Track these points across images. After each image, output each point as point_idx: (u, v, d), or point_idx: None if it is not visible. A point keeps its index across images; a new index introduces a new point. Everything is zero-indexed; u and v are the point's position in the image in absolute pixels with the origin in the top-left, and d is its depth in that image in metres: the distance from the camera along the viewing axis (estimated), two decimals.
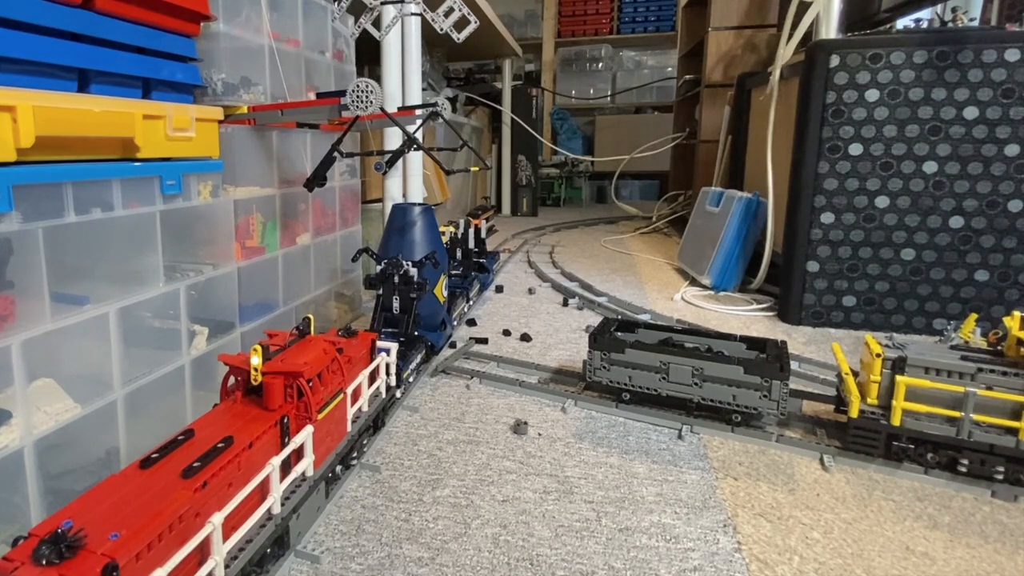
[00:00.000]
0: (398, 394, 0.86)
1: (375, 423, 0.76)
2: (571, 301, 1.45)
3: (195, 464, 0.44)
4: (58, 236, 0.57)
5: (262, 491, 0.50)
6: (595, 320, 1.31)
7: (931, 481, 0.69)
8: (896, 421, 0.69)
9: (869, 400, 0.72)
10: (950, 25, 1.25)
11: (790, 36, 1.33)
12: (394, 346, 0.79)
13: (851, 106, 1.17)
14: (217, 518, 0.42)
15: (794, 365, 1.02)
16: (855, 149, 1.18)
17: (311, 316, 0.65)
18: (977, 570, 0.55)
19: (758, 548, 0.58)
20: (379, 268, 0.95)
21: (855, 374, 0.76)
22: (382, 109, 0.84)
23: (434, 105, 1.00)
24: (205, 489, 0.43)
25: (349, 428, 0.66)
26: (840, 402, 0.78)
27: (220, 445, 0.47)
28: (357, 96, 0.83)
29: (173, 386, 0.74)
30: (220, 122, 0.80)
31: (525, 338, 1.17)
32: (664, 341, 0.89)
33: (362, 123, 0.94)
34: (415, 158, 1.36)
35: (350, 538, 0.58)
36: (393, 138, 1.30)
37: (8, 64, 0.54)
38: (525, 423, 0.80)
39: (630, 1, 4.09)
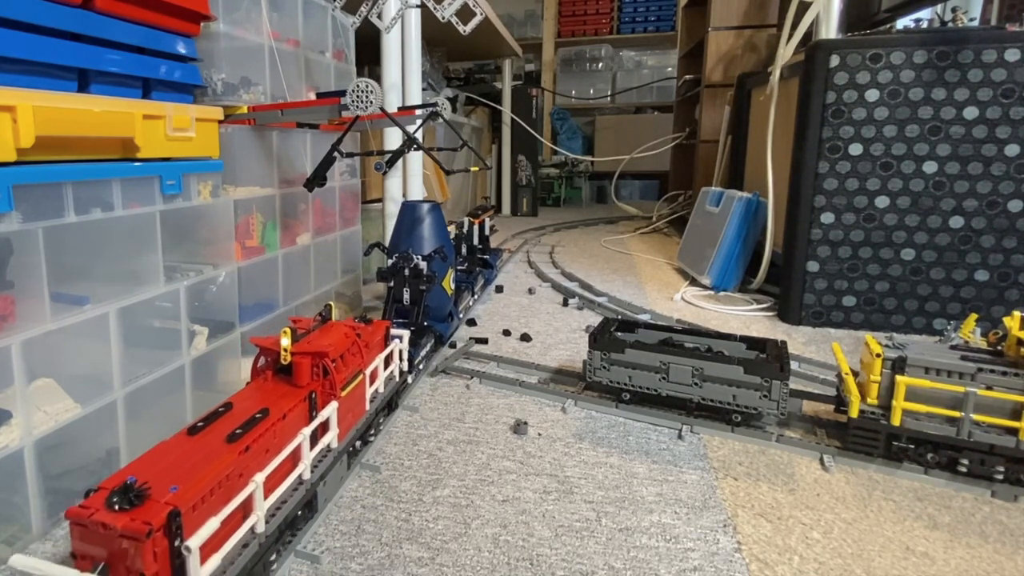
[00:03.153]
0: (410, 379, 0.91)
1: (389, 404, 0.81)
2: (571, 301, 1.45)
3: (237, 431, 0.49)
4: (58, 236, 0.57)
5: (293, 459, 0.55)
6: (595, 320, 1.31)
7: (931, 481, 0.69)
8: (896, 421, 0.69)
9: (869, 400, 0.72)
10: (950, 25, 1.25)
11: (790, 36, 1.33)
12: (406, 333, 0.83)
13: (851, 106, 1.17)
14: (259, 477, 0.47)
15: (794, 365, 1.02)
16: (855, 149, 1.18)
17: (332, 303, 0.71)
18: (977, 570, 0.55)
19: (758, 548, 0.58)
20: (390, 262, 1.00)
21: (855, 374, 0.76)
22: (382, 109, 0.84)
23: (434, 105, 1.00)
24: (247, 453, 0.48)
25: (367, 407, 0.71)
26: (840, 402, 0.78)
27: (258, 415, 0.51)
28: (357, 96, 0.83)
29: (173, 386, 0.74)
30: (220, 122, 0.80)
31: (525, 338, 1.17)
32: (664, 341, 0.89)
33: (362, 123, 0.94)
34: (415, 158, 1.36)
35: (350, 538, 0.58)
36: (393, 138, 1.30)
37: (8, 64, 0.54)
38: (525, 423, 0.80)
39: (630, 1, 4.09)
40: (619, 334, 0.91)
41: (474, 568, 0.54)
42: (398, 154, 0.90)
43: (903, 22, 1.40)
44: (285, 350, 0.59)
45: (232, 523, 0.45)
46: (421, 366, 0.97)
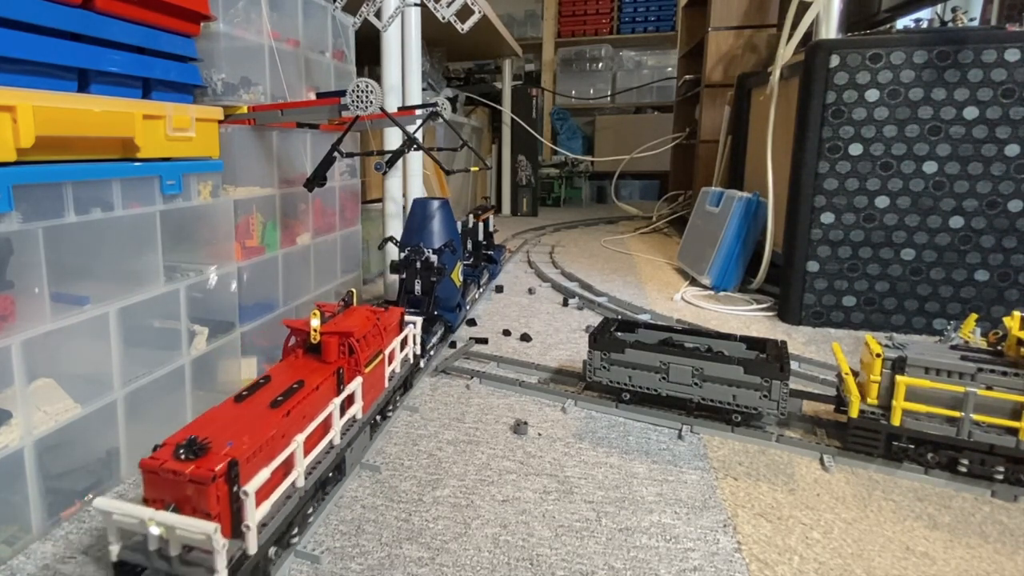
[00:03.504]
0: (422, 363, 0.98)
1: (405, 384, 0.88)
2: (571, 301, 1.45)
3: (279, 398, 0.55)
4: (58, 236, 0.57)
5: (325, 426, 0.61)
6: (595, 320, 1.31)
7: (931, 481, 0.69)
8: (896, 421, 0.69)
9: (869, 400, 0.72)
10: (950, 25, 1.25)
11: (790, 36, 1.33)
12: (419, 319, 0.89)
13: (851, 106, 1.17)
14: (299, 438, 0.53)
15: (794, 365, 1.02)
16: (855, 149, 1.18)
17: (354, 290, 0.78)
18: (977, 570, 0.55)
19: (758, 548, 0.58)
20: (402, 255, 1.06)
21: (855, 374, 0.76)
22: (382, 109, 0.84)
23: (434, 105, 1.00)
24: (288, 417, 0.54)
25: (386, 384, 0.77)
26: (840, 402, 0.78)
27: (295, 386, 0.58)
28: (357, 96, 0.83)
29: (173, 386, 0.74)
30: (220, 122, 0.80)
31: (525, 338, 1.17)
32: (664, 341, 0.89)
33: (362, 123, 0.94)
34: (415, 158, 1.36)
35: (350, 538, 0.58)
36: (393, 138, 1.30)
37: (8, 64, 0.54)
38: (525, 423, 0.80)
39: (630, 1, 4.09)
40: (619, 334, 0.91)
41: (474, 568, 0.54)
42: (398, 154, 0.90)
43: (903, 22, 1.40)
44: (315, 330, 0.65)
45: (277, 478, 0.51)
46: (432, 352, 1.04)
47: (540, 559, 0.56)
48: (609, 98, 4.15)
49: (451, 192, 2.40)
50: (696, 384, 0.80)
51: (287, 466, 0.53)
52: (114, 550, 0.46)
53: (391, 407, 0.81)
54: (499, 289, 1.57)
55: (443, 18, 1.03)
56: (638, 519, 0.62)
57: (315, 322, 0.65)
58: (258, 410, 0.53)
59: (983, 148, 1.13)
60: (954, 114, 1.13)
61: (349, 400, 0.66)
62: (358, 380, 0.66)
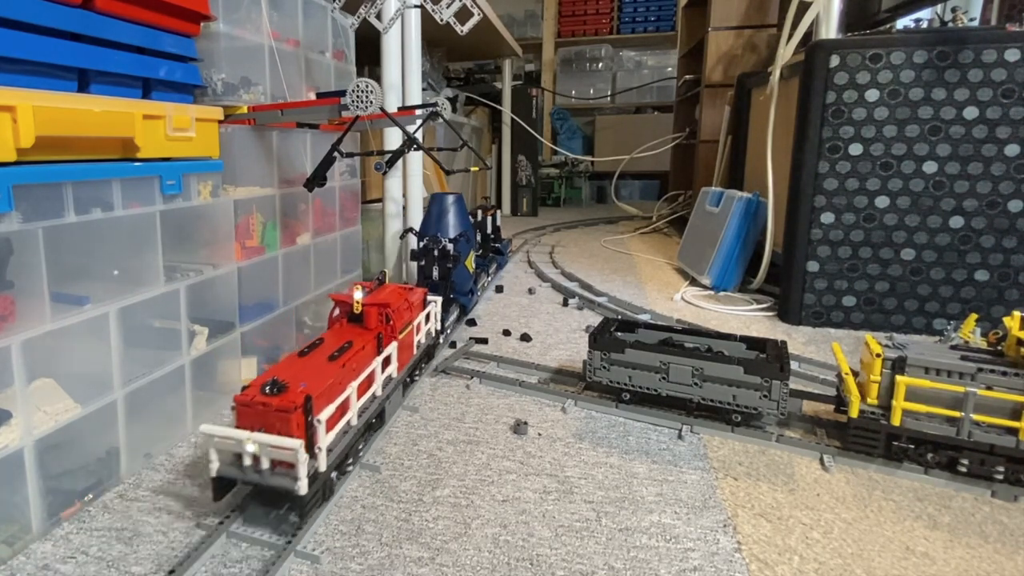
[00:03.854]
0: (441, 339, 1.08)
1: (429, 353, 0.99)
2: (571, 301, 1.45)
3: (335, 353, 0.67)
4: (58, 236, 0.57)
5: (369, 380, 0.72)
6: (595, 320, 1.31)
7: (931, 481, 0.69)
8: (896, 421, 0.69)
9: (869, 400, 0.72)
10: (950, 25, 1.25)
11: (790, 36, 1.33)
12: (439, 299, 1.00)
13: (851, 106, 1.17)
14: (354, 384, 0.65)
15: (794, 365, 1.02)
16: (855, 149, 1.18)
17: (387, 270, 0.94)
18: (977, 570, 0.55)
19: (758, 548, 0.58)
20: (422, 244, 1.17)
21: (855, 374, 0.76)
22: (382, 109, 0.84)
23: (434, 105, 1.00)
24: (344, 368, 0.66)
25: (415, 351, 0.89)
26: (840, 402, 0.78)
27: (346, 345, 0.69)
28: (357, 96, 0.83)
29: (173, 386, 0.74)
30: (220, 122, 0.80)
31: (525, 338, 1.17)
32: (664, 341, 0.89)
33: (362, 123, 0.94)
34: (415, 158, 1.36)
35: (350, 538, 0.58)
36: (393, 138, 1.30)
37: (8, 64, 0.54)
38: (525, 423, 0.80)
39: (630, 1, 4.09)
40: (619, 334, 0.91)
41: (474, 568, 0.54)
42: (398, 154, 0.90)
43: (903, 22, 1.40)
44: (358, 302, 0.77)
45: (336, 416, 0.63)
46: (449, 330, 1.17)
47: (540, 559, 0.56)
48: (609, 98, 4.15)
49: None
50: (696, 384, 0.80)
51: (344, 407, 0.64)
52: (214, 467, 0.57)
53: (418, 371, 0.94)
54: (499, 289, 1.57)
55: (442, 20, 1.03)
56: (638, 519, 0.62)
57: (358, 295, 0.77)
58: (319, 362, 0.65)
59: (983, 148, 1.13)
60: (954, 114, 1.13)
61: (387, 360, 0.77)
62: (394, 344, 0.79)
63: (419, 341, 0.91)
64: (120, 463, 0.67)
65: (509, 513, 0.63)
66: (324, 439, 0.58)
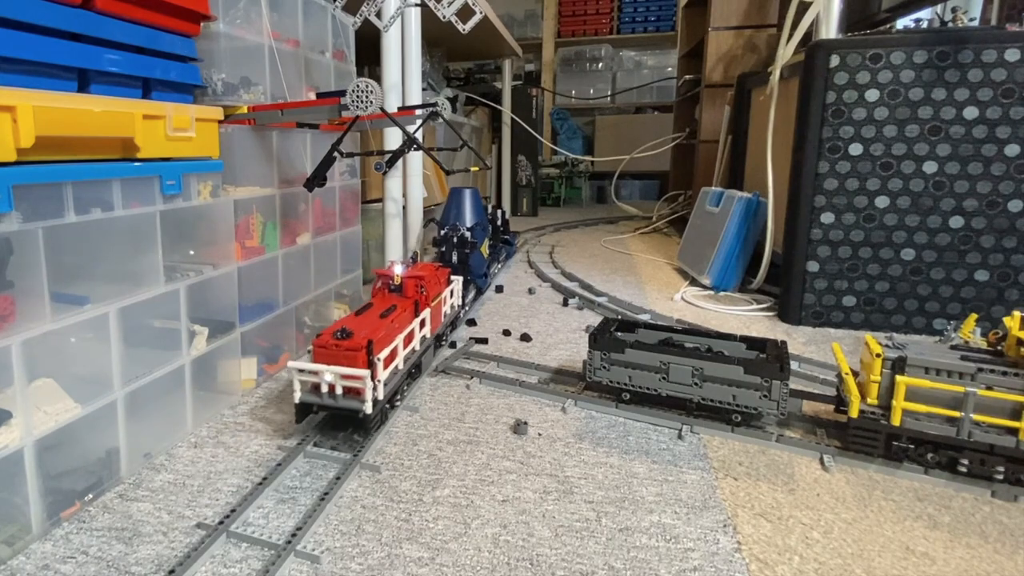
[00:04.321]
0: (461, 314, 1.24)
1: (452, 324, 1.14)
2: (571, 301, 1.45)
3: (384, 312, 0.83)
4: (58, 236, 0.57)
5: (409, 337, 0.87)
6: (595, 320, 1.31)
7: (931, 481, 0.69)
8: (896, 421, 0.69)
9: (869, 400, 0.72)
10: (950, 25, 1.25)
11: (790, 36, 1.33)
12: (460, 278, 1.16)
13: (851, 106, 1.17)
14: (400, 336, 0.82)
15: (794, 365, 1.02)
16: (855, 149, 1.18)
17: (418, 251, 1.19)
18: (977, 570, 0.55)
19: (758, 548, 0.58)
20: (442, 232, 1.32)
21: (855, 374, 0.76)
22: (382, 109, 0.84)
23: (434, 105, 1.00)
24: (392, 324, 0.82)
25: (442, 319, 1.05)
26: (840, 402, 0.78)
27: (392, 307, 0.86)
28: (357, 96, 0.83)
29: (173, 386, 0.74)
30: (220, 122, 0.80)
31: (525, 338, 1.17)
32: (664, 341, 0.89)
33: (362, 123, 0.94)
34: (415, 158, 1.36)
35: (350, 538, 0.58)
36: (393, 138, 1.30)
37: (8, 64, 0.54)
38: (525, 423, 0.80)
39: (630, 1, 4.08)
40: (619, 334, 0.91)
41: (474, 568, 0.54)
42: (398, 154, 0.90)
43: (903, 22, 1.40)
44: (398, 275, 0.92)
45: (389, 359, 0.78)
46: (468, 308, 1.30)
47: (540, 559, 0.56)
48: (609, 98, 4.15)
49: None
50: (696, 384, 0.80)
51: (393, 354, 0.79)
52: (297, 395, 0.73)
53: (444, 338, 1.10)
54: (499, 289, 1.57)
55: (444, 18, 1.03)
56: (638, 519, 0.62)
57: (398, 269, 0.93)
58: (372, 319, 0.81)
59: (983, 148, 1.13)
60: (954, 114, 1.13)
61: (422, 322, 0.92)
62: (427, 310, 0.94)
63: (445, 312, 1.07)
64: (120, 463, 0.67)
65: (509, 513, 0.63)
66: (382, 373, 0.75)
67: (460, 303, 1.15)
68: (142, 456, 0.70)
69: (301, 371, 0.72)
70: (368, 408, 0.71)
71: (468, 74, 3.29)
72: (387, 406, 0.79)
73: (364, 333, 0.74)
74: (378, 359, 0.73)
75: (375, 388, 0.72)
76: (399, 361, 0.81)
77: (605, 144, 4.05)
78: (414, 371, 0.90)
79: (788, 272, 1.27)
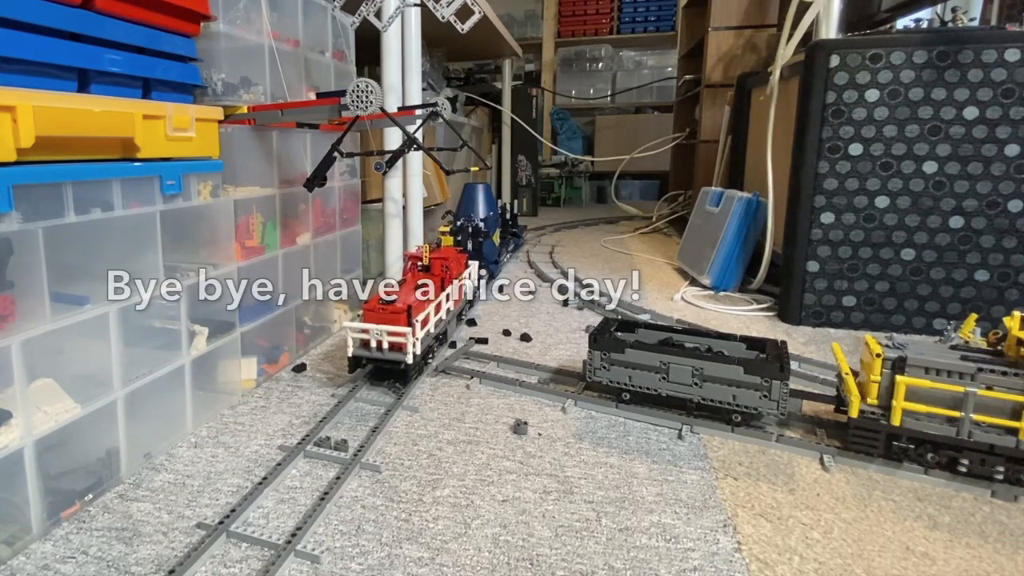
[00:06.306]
0: (480, 295, 1.43)
1: (469, 301, 1.28)
2: (571, 301, 1.45)
3: (418, 286, 1.00)
4: (58, 236, 0.57)
5: (437, 308, 1.00)
6: (595, 320, 1.31)
7: (931, 481, 0.69)
8: (896, 421, 0.69)
9: (869, 400, 0.72)
10: (950, 25, 1.25)
11: (790, 36, 1.33)
12: (476, 262, 1.29)
13: (851, 106, 1.17)
14: (431, 305, 0.97)
15: (794, 365, 1.02)
16: (855, 149, 1.18)
17: (439, 236, 1.32)
18: (977, 570, 0.55)
19: (758, 548, 0.58)
20: (457, 223, 1.46)
21: (855, 374, 0.76)
22: (382, 109, 0.84)
23: (434, 105, 1.00)
24: (425, 296, 0.98)
25: (462, 296, 1.18)
26: (840, 402, 0.78)
27: (423, 283, 1.01)
28: (357, 96, 0.82)
29: (173, 386, 0.74)
30: (220, 122, 0.80)
31: (525, 338, 1.17)
32: (664, 341, 0.89)
33: (362, 123, 0.94)
34: (415, 158, 1.36)
35: (350, 538, 0.58)
36: (393, 138, 1.30)
37: (8, 64, 0.54)
38: (525, 423, 0.80)
39: (630, 1, 4.08)
40: (619, 334, 0.91)
41: (474, 568, 0.54)
42: (398, 154, 0.90)
43: (903, 22, 1.39)
44: (426, 255, 1.08)
45: (424, 322, 0.92)
46: (481, 291, 1.44)
47: (540, 559, 0.56)
48: (609, 98, 4.14)
49: (451, 192, 2.40)
50: (696, 384, 0.80)
51: (425, 321, 0.93)
52: (350, 350, 0.89)
53: (464, 313, 1.26)
54: (499, 289, 1.57)
55: (443, 18, 1.03)
56: (638, 519, 0.62)
57: (426, 251, 1.09)
58: (408, 291, 0.97)
59: (983, 148, 1.13)
60: (954, 114, 1.13)
61: (447, 297, 1.05)
62: (451, 285, 1.08)
63: (465, 291, 1.21)
64: (120, 463, 0.67)
65: (509, 513, 0.63)
66: (419, 333, 0.89)
67: (475, 285, 1.30)
68: (142, 456, 0.70)
69: (354, 329, 0.88)
70: (409, 359, 0.86)
71: (468, 74, 3.29)
72: (422, 361, 0.93)
73: (403, 301, 0.90)
74: (416, 320, 0.88)
75: (414, 344, 0.87)
76: (431, 326, 0.95)
77: (605, 144, 4.05)
78: (441, 337, 1.05)
79: (788, 272, 1.27)
